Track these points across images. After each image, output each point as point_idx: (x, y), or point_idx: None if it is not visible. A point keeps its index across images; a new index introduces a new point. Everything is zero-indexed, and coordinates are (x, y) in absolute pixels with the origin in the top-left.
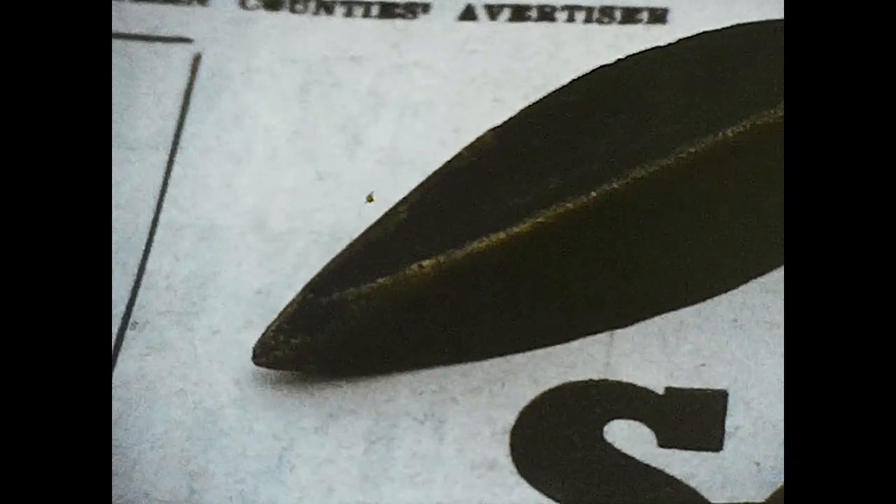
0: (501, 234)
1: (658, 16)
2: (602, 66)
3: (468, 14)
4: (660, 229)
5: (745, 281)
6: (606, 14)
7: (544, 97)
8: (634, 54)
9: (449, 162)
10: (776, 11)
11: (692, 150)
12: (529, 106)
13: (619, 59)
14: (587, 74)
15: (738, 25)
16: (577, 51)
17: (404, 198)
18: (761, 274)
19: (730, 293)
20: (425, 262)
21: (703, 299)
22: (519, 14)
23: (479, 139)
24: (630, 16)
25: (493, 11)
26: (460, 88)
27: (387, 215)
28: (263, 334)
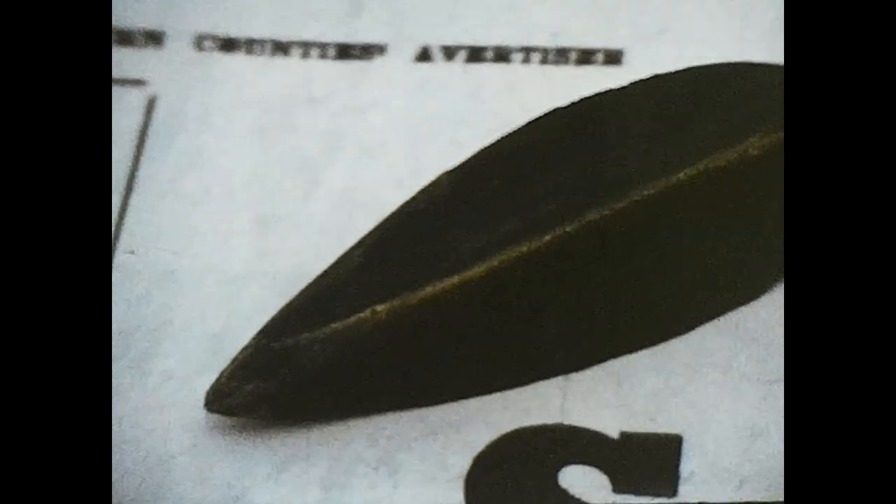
0: (455, 279)
1: (613, 57)
2: (556, 109)
3: (424, 55)
4: (614, 272)
5: (700, 324)
6: (562, 55)
7: (499, 139)
8: (589, 97)
9: (404, 205)
10: (734, 53)
11: (646, 192)
12: (484, 148)
13: (574, 102)
14: (542, 117)
15: (692, 68)
16: (533, 92)
17: (359, 241)
18: (716, 316)
19: (685, 336)
20: (379, 307)
21: (658, 342)
22: (475, 55)
23: (433, 182)
24: (586, 57)
25: (449, 52)
26: (417, 130)
27: (342, 259)
28: (217, 380)
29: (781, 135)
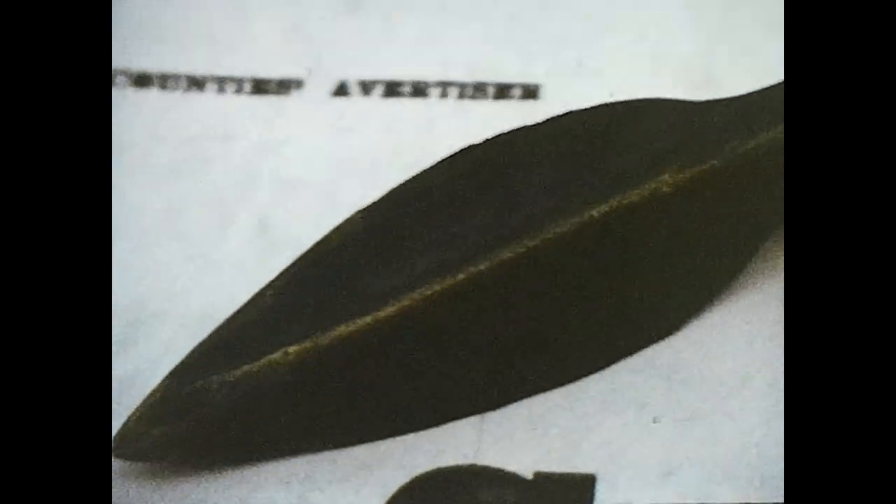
0: (368, 319)
1: (530, 92)
2: (470, 146)
3: (341, 90)
4: (527, 310)
5: (615, 361)
6: (480, 90)
7: (413, 177)
8: (502, 134)
9: (317, 244)
10: (649, 88)
11: (559, 230)
12: (398, 186)
13: (487, 139)
14: (455, 154)
15: (606, 104)
16: (450, 127)
17: (271, 282)
18: (630, 354)
19: (599, 374)
20: (291, 349)
21: (573, 381)
22: (392, 90)
23: (346, 221)
24: (503, 92)
25: (366, 87)
26: (333, 165)
27: (253, 299)
28: (124, 424)
29: (693, 171)
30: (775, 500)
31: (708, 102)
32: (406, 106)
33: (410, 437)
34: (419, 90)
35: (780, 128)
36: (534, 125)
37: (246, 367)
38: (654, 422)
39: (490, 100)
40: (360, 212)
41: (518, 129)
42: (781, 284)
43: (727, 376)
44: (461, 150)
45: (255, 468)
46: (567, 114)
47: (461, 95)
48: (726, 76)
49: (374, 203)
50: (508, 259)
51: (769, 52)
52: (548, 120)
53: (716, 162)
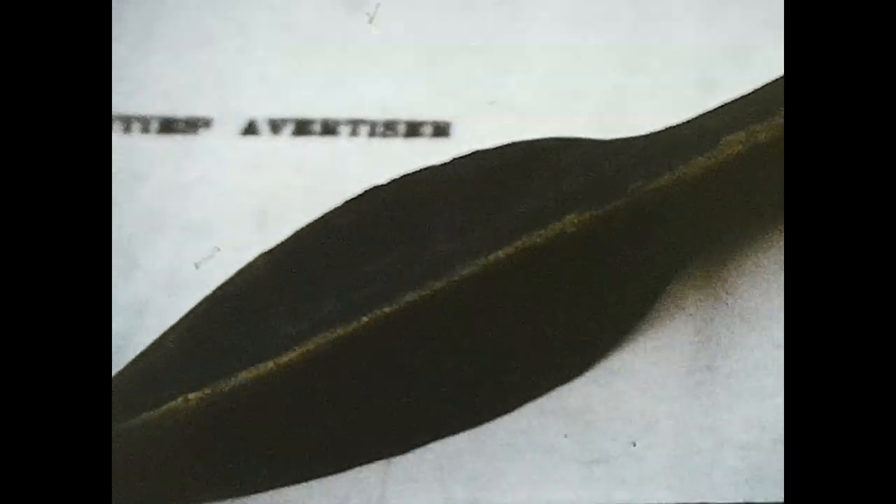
0: (270, 364)
1: (441, 130)
2: (376, 187)
3: (251, 129)
4: (434, 353)
5: (522, 404)
6: (390, 128)
7: (318, 219)
8: (409, 174)
9: (218, 288)
10: (561, 126)
11: (465, 272)
12: (303, 228)
13: (394, 179)
14: (361, 195)
15: (514, 143)
16: (361, 166)
17: (172, 326)
18: (538, 396)
19: (507, 417)
20: (191, 395)
21: (480, 424)
22: (302, 128)
23: (250, 264)
24: (414, 130)
25: (275, 126)
26: (242, 205)
27: (154, 345)
28: None
29: (598, 212)
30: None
31: (615, 141)
32: (316, 144)
33: (315, 484)
34: (329, 128)
35: (688, 166)
36: (441, 165)
37: (147, 415)
38: (561, 464)
39: (401, 138)
40: (263, 254)
41: (424, 170)
42: (690, 323)
43: (635, 418)
44: (367, 191)
45: None
46: (474, 153)
47: (372, 134)
48: (639, 113)
49: (279, 245)
50: (414, 302)
51: (682, 88)
52: (454, 160)
53: (620, 203)
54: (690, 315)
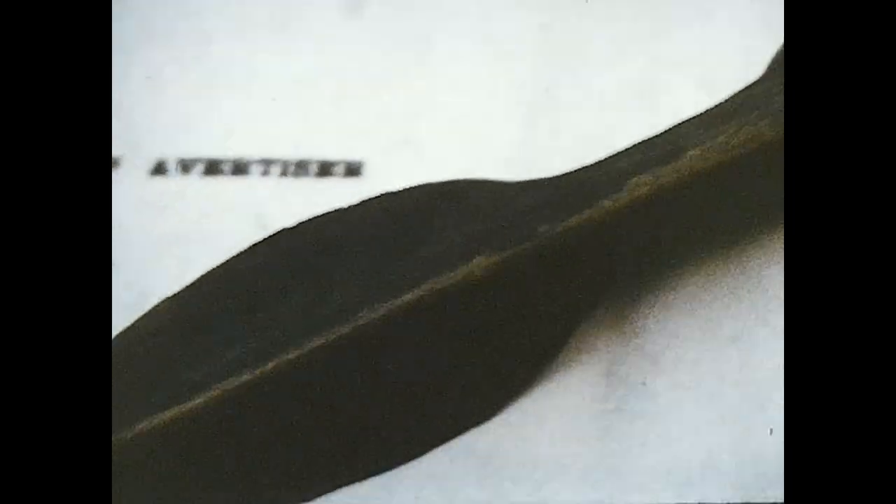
0: (174, 411)
1: (353, 169)
2: (284, 230)
3: (159, 169)
4: (340, 398)
5: (430, 448)
6: (302, 168)
7: (224, 262)
8: (316, 217)
9: (122, 333)
10: (473, 167)
11: (371, 316)
12: (209, 271)
13: (301, 222)
14: (268, 238)
15: (424, 185)
16: (272, 205)
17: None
18: (446, 440)
19: (416, 461)
20: None
21: (387, 469)
22: (213, 168)
23: (153, 308)
24: (326, 169)
25: (185, 166)
26: (149, 247)
27: None
28: None
29: (506, 254)
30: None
31: (523, 183)
32: (226, 185)
33: None
34: (240, 168)
35: (595, 209)
36: (349, 207)
37: None
38: None
39: (312, 177)
40: (166, 299)
41: (332, 212)
42: (603, 362)
43: (544, 462)
44: (274, 234)
45: None
46: (382, 195)
47: (283, 173)
48: (548, 155)
49: (184, 289)
50: (320, 347)
51: (591, 128)
52: (362, 202)
53: (528, 245)
54: (600, 357)
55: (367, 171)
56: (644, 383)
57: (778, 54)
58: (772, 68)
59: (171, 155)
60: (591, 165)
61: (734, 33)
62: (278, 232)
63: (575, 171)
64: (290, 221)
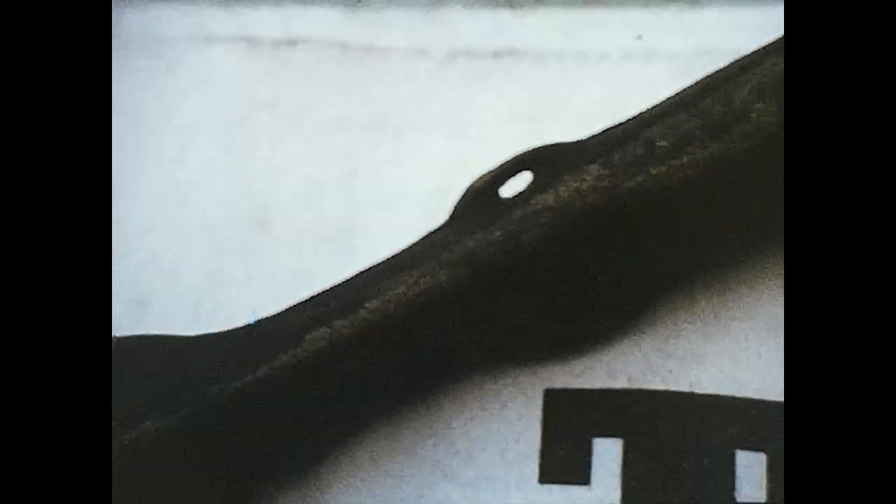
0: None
1: None
2: None
3: None
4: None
5: None
6: None
7: None
8: None
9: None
10: None
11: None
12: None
13: None
14: None
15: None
16: None
17: None
18: None
19: None
20: None
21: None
22: None
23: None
24: None
25: None
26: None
27: None
28: None
29: (178, 418)
30: None
31: (206, 337)
32: None
33: None
34: None
35: (272, 365)
36: None
37: None
38: None
39: None
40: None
41: None
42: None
43: None
44: None
45: None
46: None
47: None
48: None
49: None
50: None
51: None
52: None
53: (201, 406)
54: None
55: None
56: None
57: (466, 194)
58: (452, 216)
59: None
60: (272, 317)
61: None
62: None
63: (257, 322)
64: None
